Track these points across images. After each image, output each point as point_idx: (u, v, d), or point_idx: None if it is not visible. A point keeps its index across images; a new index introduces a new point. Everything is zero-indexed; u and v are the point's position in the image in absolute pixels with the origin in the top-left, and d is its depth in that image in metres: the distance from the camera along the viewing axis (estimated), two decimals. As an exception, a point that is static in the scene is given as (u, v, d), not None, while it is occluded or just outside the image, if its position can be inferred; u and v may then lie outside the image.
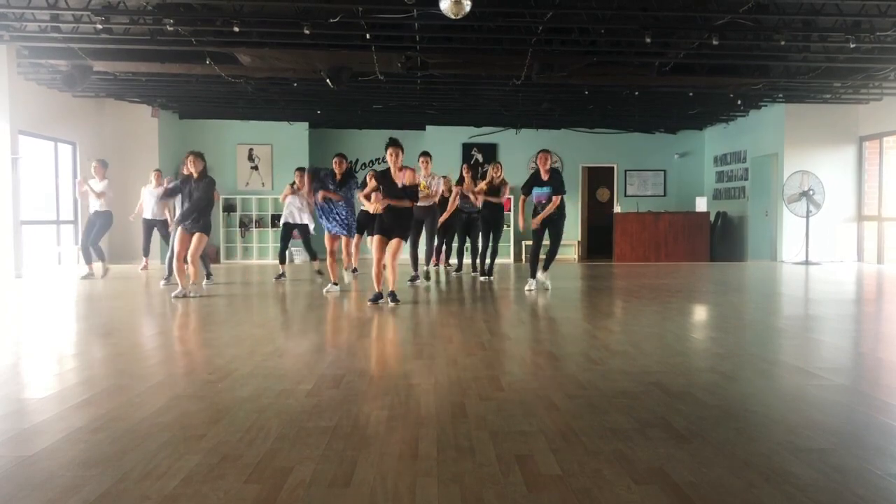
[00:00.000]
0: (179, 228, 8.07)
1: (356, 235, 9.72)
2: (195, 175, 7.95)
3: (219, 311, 6.97)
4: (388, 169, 7.35)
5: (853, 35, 8.42)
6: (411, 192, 7.40)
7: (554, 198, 8.25)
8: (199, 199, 7.84)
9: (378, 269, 7.38)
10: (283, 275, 10.10)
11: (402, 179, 7.28)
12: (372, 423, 3.09)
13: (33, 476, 2.50)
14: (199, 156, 8.07)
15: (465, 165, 10.82)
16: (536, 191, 8.39)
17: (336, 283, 8.60)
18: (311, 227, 10.25)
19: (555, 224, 8.42)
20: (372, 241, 8.04)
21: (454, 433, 2.96)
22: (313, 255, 10.31)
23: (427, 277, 9.50)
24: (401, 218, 7.31)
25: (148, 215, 10.66)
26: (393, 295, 7.25)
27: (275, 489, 2.37)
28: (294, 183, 10.09)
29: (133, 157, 13.65)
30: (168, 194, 8.52)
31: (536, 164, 8.56)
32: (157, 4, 7.92)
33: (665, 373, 4.08)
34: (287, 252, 10.51)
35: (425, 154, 9.53)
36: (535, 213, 8.45)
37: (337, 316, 6.66)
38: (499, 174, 10.00)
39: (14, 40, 9.23)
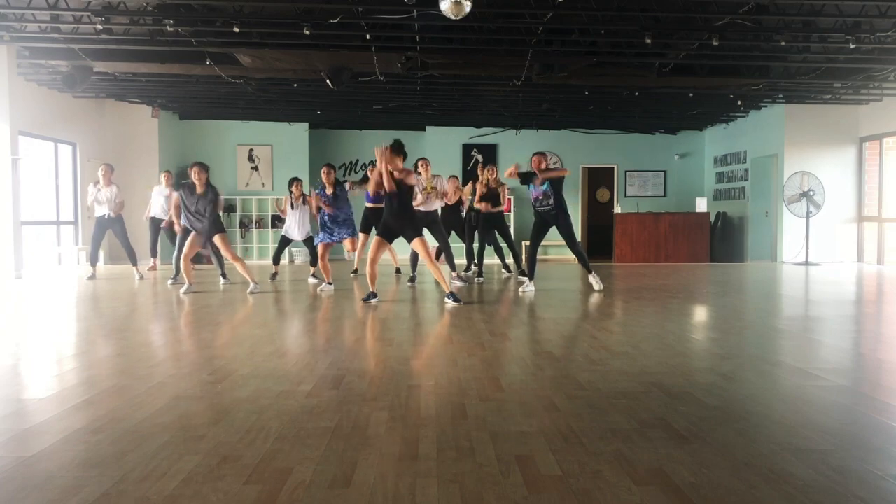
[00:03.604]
0: (193, 232, 8.40)
1: (362, 235, 9.76)
2: (199, 187, 8.22)
3: (219, 312, 6.97)
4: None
5: (853, 36, 8.42)
6: (404, 188, 7.32)
7: (563, 169, 8.49)
8: (211, 215, 8.30)
9: (373, 269, 7.40)
10: (276, 274, 10.18)
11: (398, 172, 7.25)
12: (372, 424, 3.09)
13: (33, 477, 2.50)
14: (202, 167, 8.29)
15: (480, 166, 10.72)
16: (532, 189, 8.50)
17: (330, 283, 8.66)
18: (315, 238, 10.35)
19: (555, 220, 8.41)
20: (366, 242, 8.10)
21: (454, 434, 2.95)
22: (315, 261, 10.35)
23: (466, 280, 9.47)
24: (404, 219, 7.30)
25: (156, 214, 10.73)
26: (452, 296, 7.23)
27: (275, 490, 2.36)
28: (292, 193, 10.08)
29: (133, 157, 13.67)
30: (178, 210, 8.63)
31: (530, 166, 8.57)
32: (158, 5, 7.93)
33: (665, 373, 4.08)
34: (282, 254, 10.51)
35: (423, 159, 9.65)
36: (534, 211, 8.59)
37: (336, 316, 6.66)
38: (493, 176, 10.02)
39: (14, 41, 9.23)
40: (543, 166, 8.41)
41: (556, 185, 8.37)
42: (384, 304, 7.30)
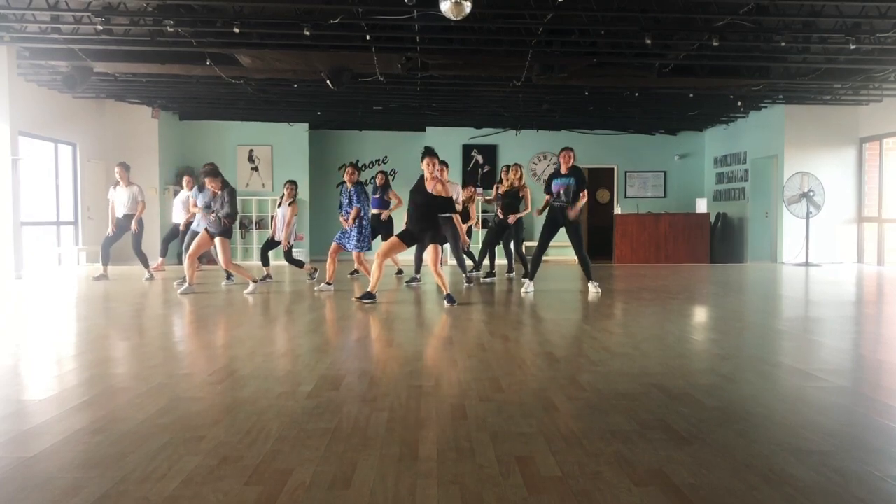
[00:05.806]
0: (203, 230, 8.48)
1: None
2: (215, 191, 8.36)
3: (219, 313, 6.97)
4: (421, 178, 7.45)
5: (853, 36, 8.42)
6: (445, 202, 7.40)
7: (581, 193, 8.32)
8: (228, 214, 8.32)
9: (379, 266, 7.43)
10: (268, 276, 10.04)
11: (432, 188, 7.31)
12: (372, 425, 3.09)
13: (33, 477, 2.50)
14: (213, 174, 8.32)
15: (504, 168, 10.63)
16: (555, 182, 8.46)
17: (330, 283, 8.64)
18: (290, 243, 10.21)
19: (564, 217, 8.38)
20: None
21: (454, 435, 2.95)
22: (300, 265, 10.29)
23: (469, 281, 9.45)
24: (427, 227, 7.32)
25: (177, 220, 10.64)
26: (449, 297, 7.25)
27: (275, 491, 2.36)
28: (283, 195, 10.10)
29: (133, 158, 13.58)
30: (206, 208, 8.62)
31: (558, 161, 8.63)
32: (158, 5, 7.93)
33: (665, 374, 4.08)
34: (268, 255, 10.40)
35: (441, 161, 9.51)
36: (552, 205, 8.48)
37: (336, 317, 6.66)
38: (517, 176, 9.93)
39: (14, 41, 9.23)
40: (572, 162, 8.45)
41: (579, 185, 8.34)
42: (384, 305, 7.30)
